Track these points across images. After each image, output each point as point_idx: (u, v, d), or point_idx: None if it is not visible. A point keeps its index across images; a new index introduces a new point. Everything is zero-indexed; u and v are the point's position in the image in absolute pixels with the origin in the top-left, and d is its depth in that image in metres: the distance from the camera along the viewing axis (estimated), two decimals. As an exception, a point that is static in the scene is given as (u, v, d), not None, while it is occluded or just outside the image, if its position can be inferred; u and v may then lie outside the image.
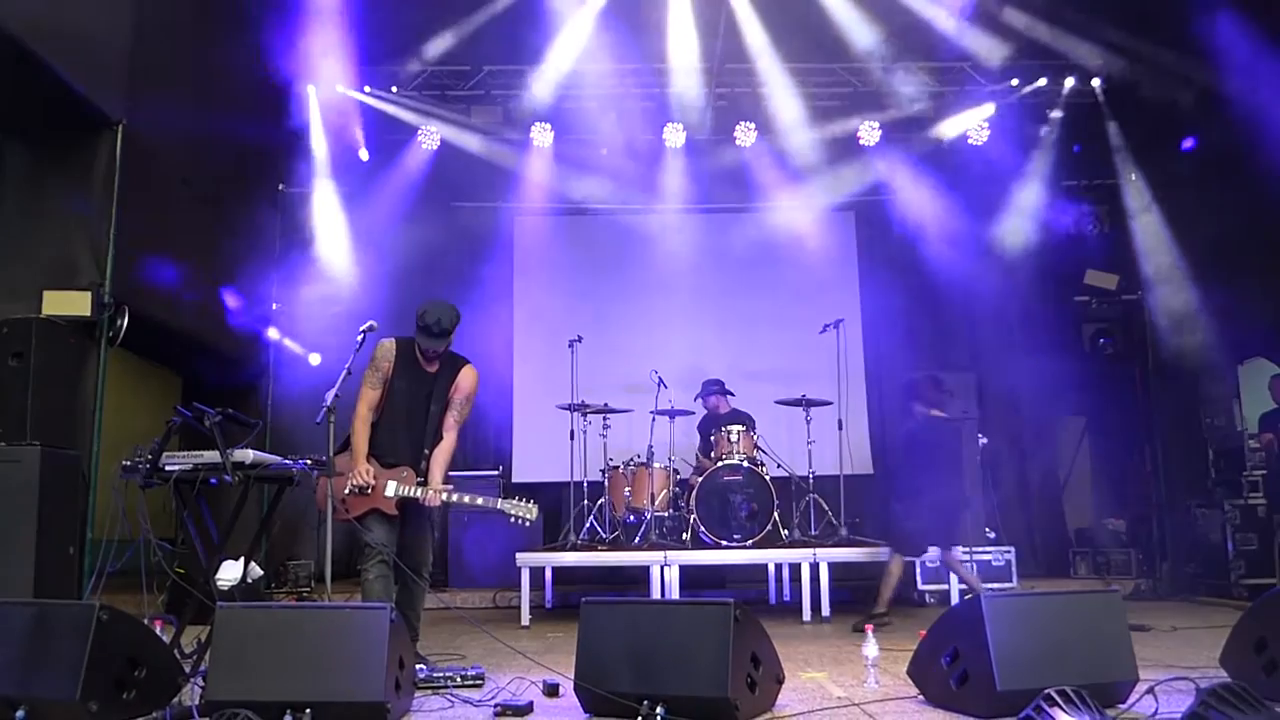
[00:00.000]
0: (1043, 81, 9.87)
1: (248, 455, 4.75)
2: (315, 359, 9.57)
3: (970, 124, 10.13)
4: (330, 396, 4.97)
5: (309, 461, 4.99)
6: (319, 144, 9.98)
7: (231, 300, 8.54)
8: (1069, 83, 9.91)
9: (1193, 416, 9.35)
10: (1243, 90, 7.80)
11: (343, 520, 5.13)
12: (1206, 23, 7.93)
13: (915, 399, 7.50)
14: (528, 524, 5.42)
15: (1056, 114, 10.18)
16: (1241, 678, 3.77)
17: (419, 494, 5.20)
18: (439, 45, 9.64)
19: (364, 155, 10.31)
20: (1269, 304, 8.15)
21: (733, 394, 9.28)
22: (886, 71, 9.60)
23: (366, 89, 10.07)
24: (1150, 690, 3.92)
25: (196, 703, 3.90)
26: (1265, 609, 4.27)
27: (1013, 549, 8.94)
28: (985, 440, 8.37)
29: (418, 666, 4.68)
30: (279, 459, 4.93)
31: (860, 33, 9.29)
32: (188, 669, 4.38)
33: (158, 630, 4.52)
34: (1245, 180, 8.07)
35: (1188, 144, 9.16)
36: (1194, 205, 9.24)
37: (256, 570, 6.74)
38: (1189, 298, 9.25)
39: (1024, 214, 10.28)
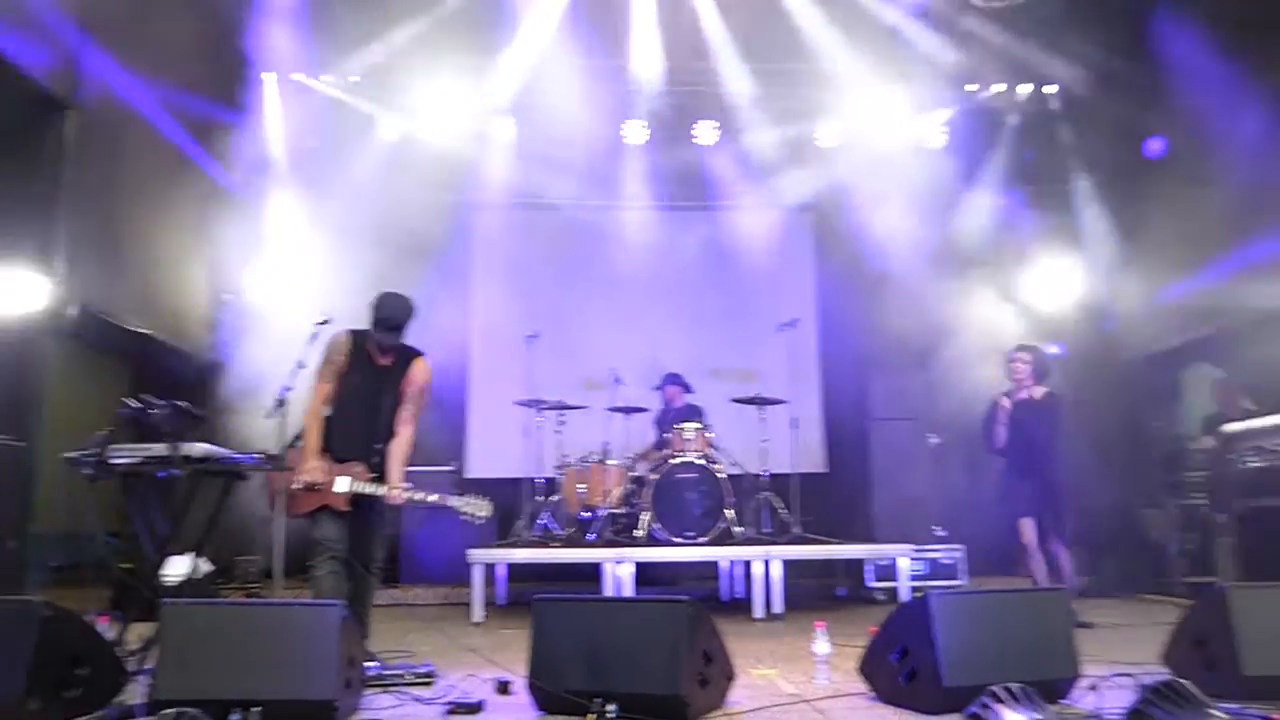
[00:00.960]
0: (1000, 88, 9.99)
1: (197, 448, 4.69)
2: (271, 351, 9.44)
3: (928, 127, 10.22)
4: (282, 390, 4.92)
5: (259, 455, 4.94)
6: (275, 132, 9.87)
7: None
8: (1025, 89, 10.04)
9: (1139, 419, 9.54)
10: (1194, 100, 7.97)
11: (294, 516, 5.08)
12: (1162, 34, 8.08)
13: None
14: (480, 521, 5.39)
15: (1013, 119, 10.30)
16: (1182, 674, 3.85)
17: (374, 490, 5.16)
18: (400, 35, 9.55)
19: (313, 143, 10.18)
20: (1213, 309, 8.32)
21: (692, 390, 9.32)
22: (845, 73, 9.66)
23: (324, 78, 9.95)
24: (1093, 686, 4.00)
25: (141, 701, 3.84)
26: (1205, 607, 4.36)
27: (963, 547, 9.05)
28: (936, 439, 8.47)
29: (368, 664, 4.64)
30: (229, 452, 4.88)
31: (821, 34, 9.35)
32: (133, 666, 4.32)
33: (103, 627, 4.46)
34: (1194, 188, 8.23)
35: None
36: (1143, 211, 9.41)
37: (205, 566, 6.65)
38: (1137, 301, 9.41)
39: (979, 217, 10.40)
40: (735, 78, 9.89)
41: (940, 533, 8.96)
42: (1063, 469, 7.17)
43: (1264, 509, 7.42)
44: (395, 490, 5.18)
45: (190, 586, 5.42)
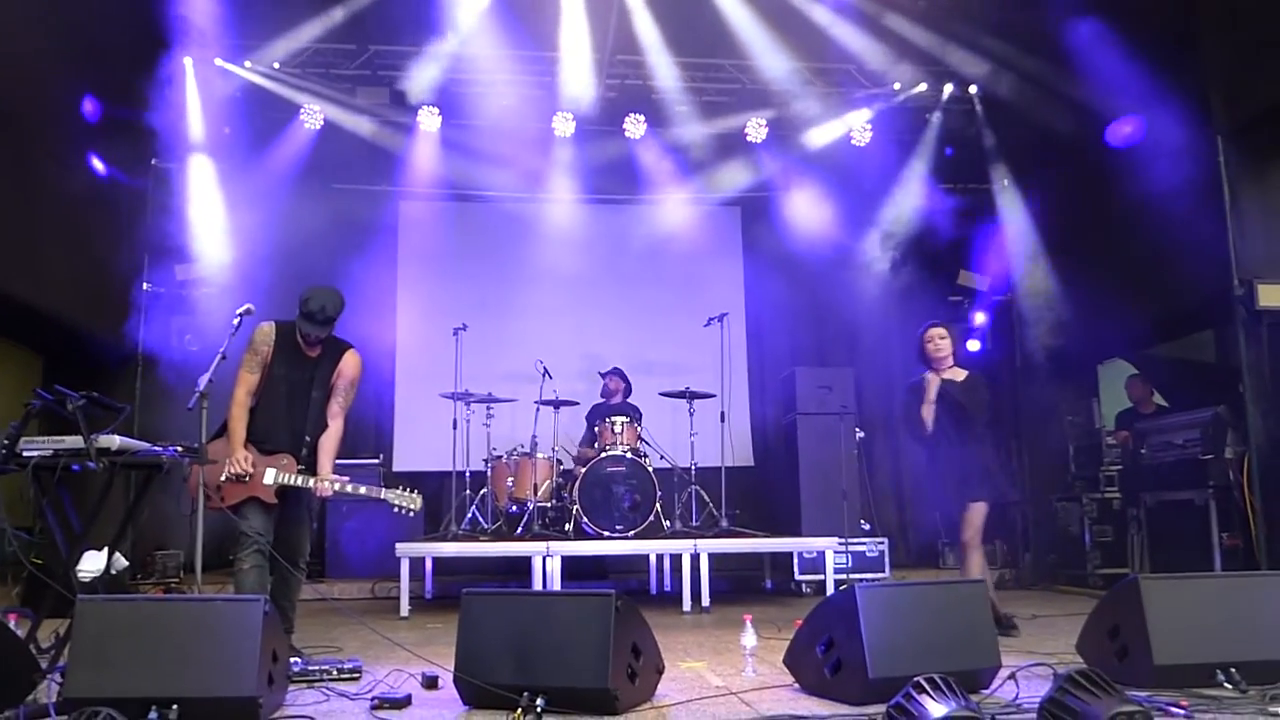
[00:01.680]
0: (923, 87, 10.14)
1: (114, 441, 4.55)
2: (190, 341, 9.22)
3: (853, 125, 10.35)
4: (203, 381, 4.81)
5: (179, 448, 4.82)
6: (194, 118, 9.60)
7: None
8: (948, 89, 10.21)
9: (1055, 414, 9.79)
10: (1108, 102, 8.18)
11: (217, 509, 4.98)
12: (1074, 34, 8.28)
13: None
14: (411, 514, 5.36)
15: (935, 118, 10.48)
16: (1096, 664, 3.96)
17: (302, 482, 5.09)
18: (325, 22, 9.37)
19: (234, 130, 9.94)
20: (1127, 307, 8.57)
21: (632, 390, 9.36)
22: (774, 70, 9.73)
23: (247, 63, 9.72)
24: (1012, 676, 4.09)
25: (54, 700, 3.73)
26: (1118, 598, 4.49)
27: (886, 540, 9.20)
28: (862, 434, 8.59)
29: (292, 660, 4.57)
30: (147, 445, 4.75)
31: (749, 31, 9.40)
32: (45, 665, 4.19)
33: (12, 624, 4.31)
34: (1108, 187, 8.46)
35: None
36: (1059, 212, 9.66)
37: (121, 561, 6.46)
38: (1053, 299, 9.65)
39: (903, 214, 10.55)
40: (664, 72, 9.90)
41: (865, 526, 9.09)
42: (997, 455, 6.85)
43: (1173, 502, 7.68)
44: (324, 482, 5.11)
45: (106, 582, 5.28)
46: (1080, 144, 8.89)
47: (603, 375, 9.48)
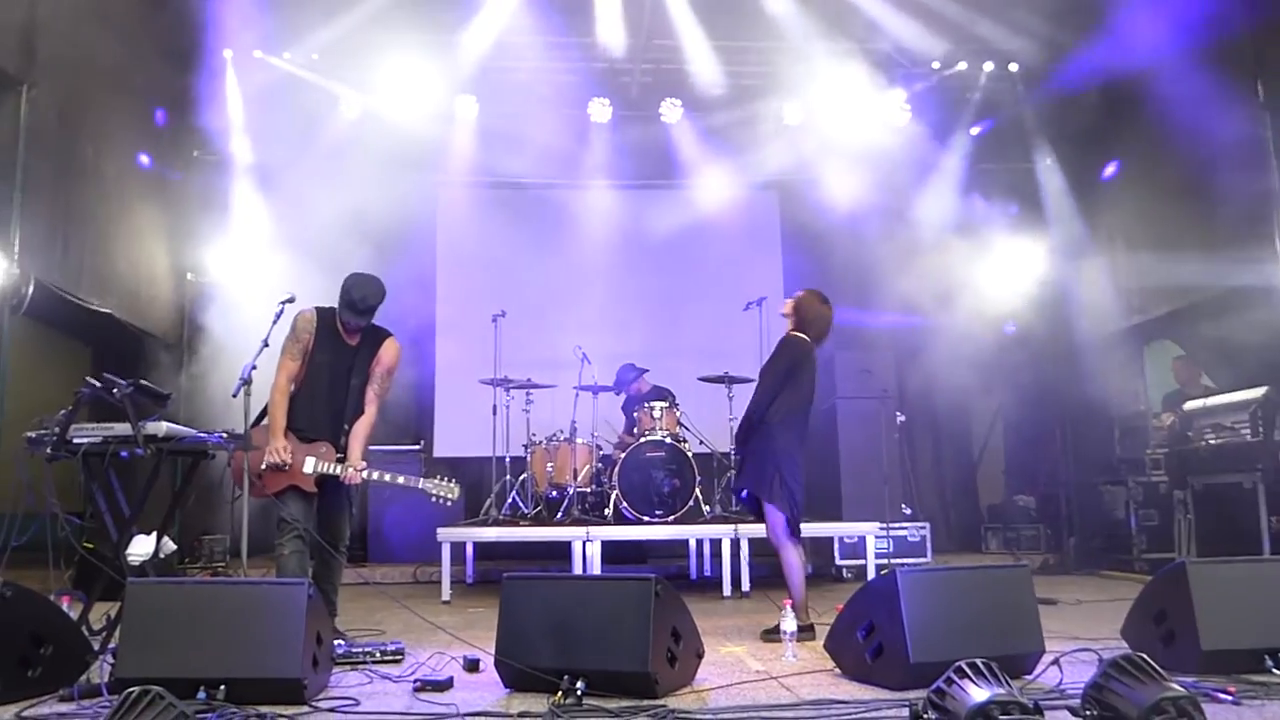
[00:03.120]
0: (963, 66, 10.02)
1: (160, 428, 4.62)
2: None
3: (891, 105, 10.25)
4: (246, 369, 4.88)
5: (224, 435, 4.89)
6: (236, 110, 9.71)
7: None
8: (988, 66, 10.08)
9: (1100, 398, 9.65)
10: (1155, 77, 8.02)
11: (259, 497, 5.05)
12: (1120, 11, 8.13)
13: None
14: (449, 504, 5.40)
15: (975, 96, 10.34)
16: (1142, 649, 3.90)
17: (338, 470, 5.14)
18: (363, 12, 9.41)
19: (274, 122, 10.03)
20: (1175, 285, 8.42)
21: (647, 370, 9.32)
22: (810, 51, 9.64)
23: (286, 55, 9.80)
24: (1056, 661, 4.06)
25: (105, 680, 3.81)
26: (1164, 583, 4.43)
27: (928, 525, 9.13)
28: (903, 419, 8.53)
29: (336, 642, 4.63)
30: (193, 432, 4.82)
31: (785, 11, 9.32)
32: (96, 646, 4.28)
33: (65, 607, 4.40)
34: (1155, 166, 8.31)
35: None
36: (1105, 190, 9.50)
37: (169, 545, 6.56)
38: (1098, 280, 9.50)
39: (942, 195, 10.45)
40: (700, 55, 9.85)
41: (907, 511, 9.04)
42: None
43: (1221, 485, 7.53)
44: (351, 470, 5.15)
45: (154, 566, 5.37)
46: (1126, 119, 8.73)
47: (619, 389, 9.38)
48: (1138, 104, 8.35)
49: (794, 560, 5.69)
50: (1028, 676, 4.15)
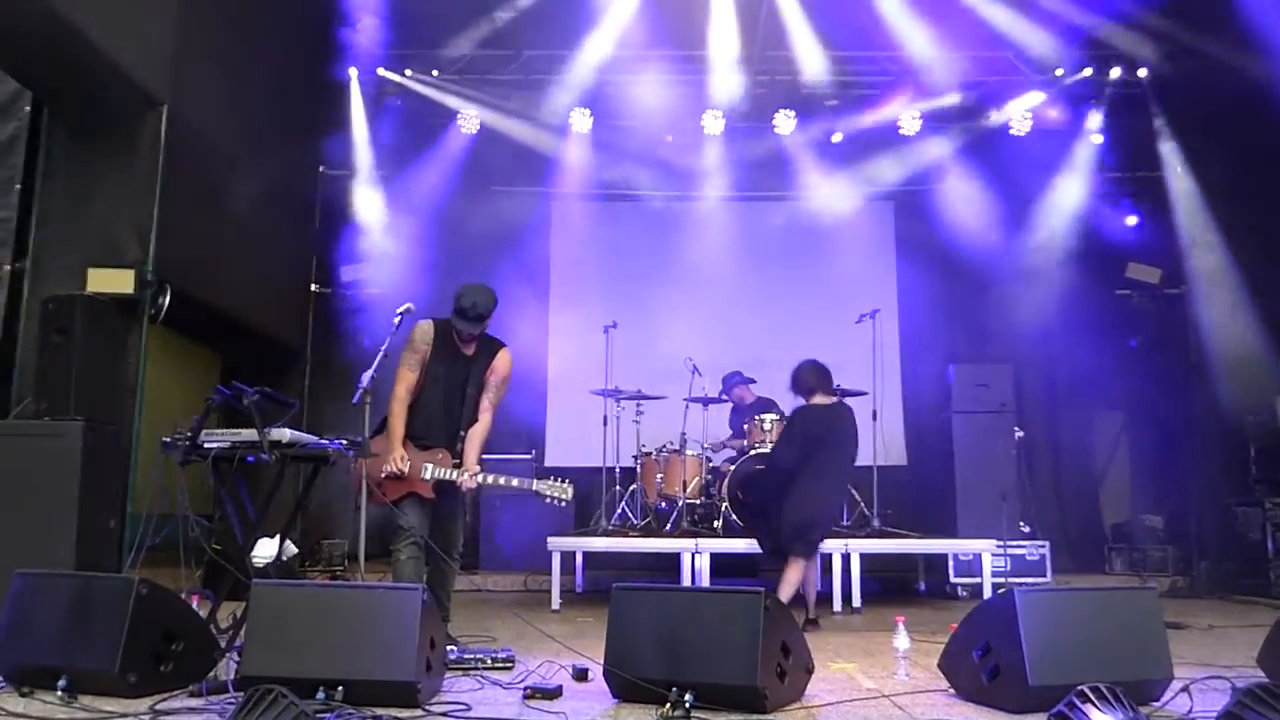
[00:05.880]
0: (1088, 72, 9.74)
1: (285, 434, 4.77)
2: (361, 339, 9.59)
3: (1013, 114, 10.02)
4: (367, 378, 5.01)
5: (345, 442, 5.03)
6: (359, 126, 10.05)
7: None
8: (1115, 73, 9.78)
9: (1234, 413, 9.21)
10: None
11: (379, 503, 5.18)
12: (1254, 14, 7.79)
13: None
14: (563, 504, 5.46)
15: (1101, 104, 10.03)
16: (1279, 678, 3.72)
17: (454, 476, 5.25)
18: (480, 29, 9.66)
19: (397, 137, 10.35)
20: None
21: (754, 380, 9.25)
22: (928, 59, 9.49)
23: (408, 72, 10.12)
24: (1185, 688, 3.88)
25: (232, 677, 3.95)
26: (1305, 610, 4.20)
27: (1047, 543, 8.86)
28: (1021, 433, 8.30)
29: (449, 648, 4.71)
30: (315, 438, 4.97)
31: (901, 19, 9.20)
32: (223, 644, 4.44)
33: (195, 605, 4.58)
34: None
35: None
36: (1238, 199, 9.09)
37: (291, 548, 6.82)
38: (1232, 293, 9.10)
39: (1065, 205, 10.17)
40: (814, 65, 9.78)
41: (1025, 529, 8.77)
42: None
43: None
44: (467, 475, 5.25)
45: (277, 568, 5.56)
46: (1260, 122, 8.33)
47: (724, 393, 9.29)
48: (1274, 111, 7.96)
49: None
50: (1155, 704, 3.97)
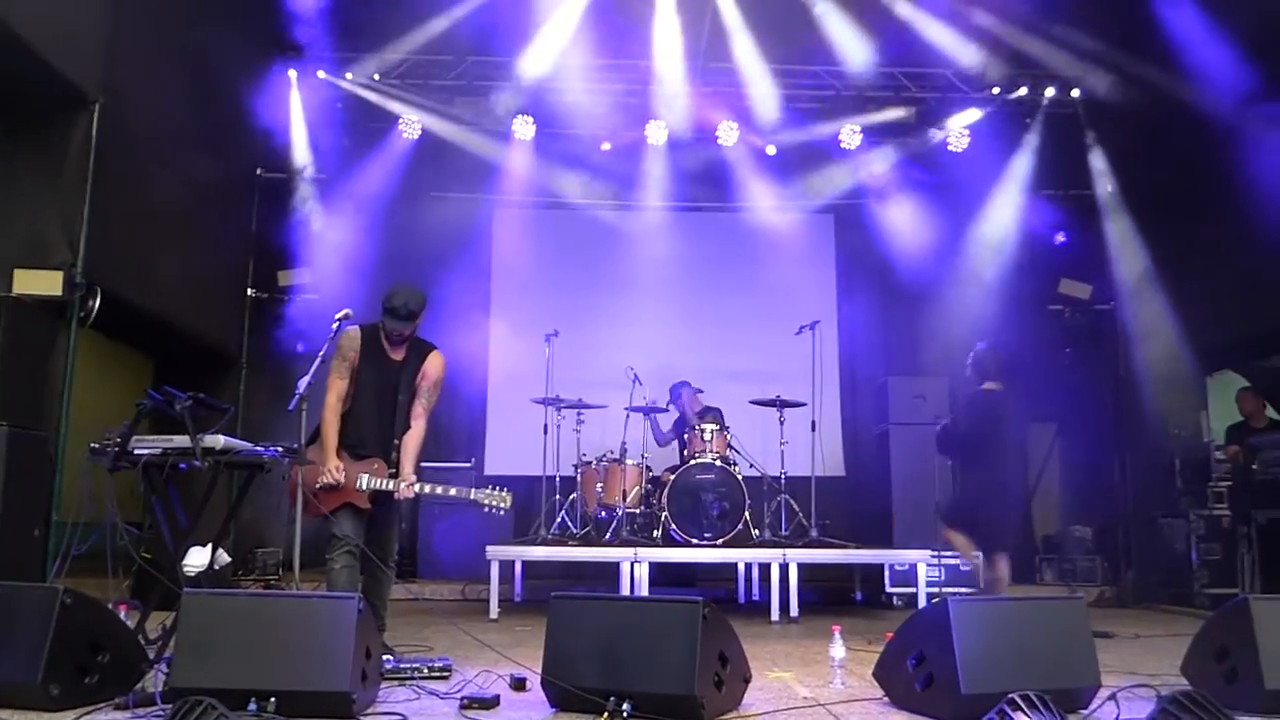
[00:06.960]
0: (1023, 91, 9.95)
1: (218, 441, 4.70)
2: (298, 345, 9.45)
3: (950, 131, 10.19)
4: (303, 384, 4.93)
5: (280, 449, 4.95)
6: (298, 130, 9.92)
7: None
8: (1049, 92, 10.00)
9: (1161, 427, 9.44)
10: (1217, 104, 7.89)
11: (315, 515, 5.09)
12: (1182, 37, 8.03)
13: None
14: (501, 512, 5.42)
15: (1036, 123, 10.25)
16: (1202, 686, 3.82)
17: (391, 486, 5.19)
18: (423, 34, 9.60)
19: (335, 140, 10.24)
20: (1239, 317, 8.24)
21: (701, 390, 9.30)
22: (868, 75, 9.63)
23: (348, 75, 10.02)
24: (1112, 696, 3.96)
25: (160, 689, 3.86)
26: (1227, 618, 4.31)
27: (980, 554, 8.97)
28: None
29: (384, 657, 4.65)
30: (249, 445, 4.89)
31: (844, 36, 9.33)
32: (152, 655, 4.34)
33: (122, 615, 4.48)
34: (1218, 193, 8.15)
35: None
36: (1167, 217, 9.34)
37: (224, 557, 6.69)
38: (1160, 309, 9.33)
39: (1001, 221, 10.35)
40: (757, 79, 9.88)
41: (958, 539, 8.88)
42: None
43: (1287, 520, 7.36)
44: (403, 485, 5.19)
45: (209, 577, 5.45)
46: (1189, 144, 8.58)
47: (672, 401, 9.32)
48: (1202, 133, 8.20)
49: None
50: (1083, 711, 4.05)
